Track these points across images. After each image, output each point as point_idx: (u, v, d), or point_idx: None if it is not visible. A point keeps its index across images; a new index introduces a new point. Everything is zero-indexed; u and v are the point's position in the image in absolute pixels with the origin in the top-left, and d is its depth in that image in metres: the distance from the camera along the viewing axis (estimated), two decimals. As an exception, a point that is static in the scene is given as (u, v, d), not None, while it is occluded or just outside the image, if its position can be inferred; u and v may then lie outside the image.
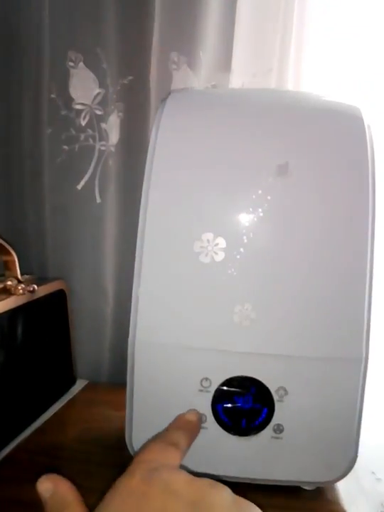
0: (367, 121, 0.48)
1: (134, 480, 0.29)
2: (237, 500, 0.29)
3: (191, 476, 0.30)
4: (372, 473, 0.74)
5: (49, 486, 0.30)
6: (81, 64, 0.73)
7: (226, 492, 0.29)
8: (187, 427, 0.39)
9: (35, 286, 0.60)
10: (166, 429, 0.38)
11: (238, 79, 0.71)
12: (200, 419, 0.41)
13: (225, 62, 0.71)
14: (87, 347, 0.80)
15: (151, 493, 0.27)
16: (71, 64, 0.73)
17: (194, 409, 0.42)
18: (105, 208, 0.77)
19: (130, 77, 0.74)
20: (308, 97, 0.56)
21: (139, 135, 0.74)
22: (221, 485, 0.30)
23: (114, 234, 0.78)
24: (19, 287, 0.59)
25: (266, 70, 0.70)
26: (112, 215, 0.77)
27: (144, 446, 0.34)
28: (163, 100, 0.51)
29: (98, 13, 0.72)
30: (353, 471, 0.50)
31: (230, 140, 0.48)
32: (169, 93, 0.52)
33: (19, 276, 0.62)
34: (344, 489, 0.53)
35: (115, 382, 0.77)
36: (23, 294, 0.59)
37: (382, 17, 0.70)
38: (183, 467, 0.37)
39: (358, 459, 0.50)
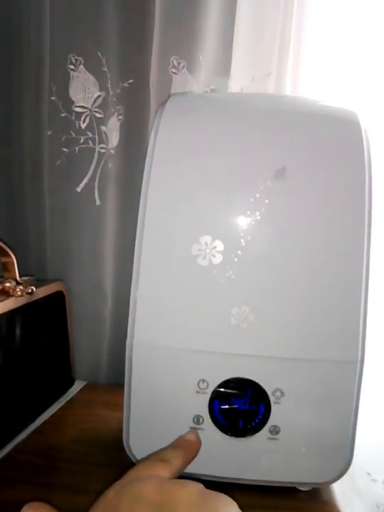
0: (364, 125, 0.48)
1: (109, 495, 0.30)
2: (206, 494, 0.29)
3: (163, 481, 0.30)
4: (368, 474, 0.75)
5: None
6: (81, 67, 0.74)
7: (193, 489, 0.29)
8: (183, 446, 0.40)
9: (34, 288, 0.60)
10: (162, 448, 0.38)
11: (237, 83, 0.72)
12: (199, 440, 0.41)
13: (224, 66, 0.72)
14: (86, 348, 0.80)
15: (121, 505, 0.28)
16: (71, 67, 0.74)
17: (194, 431, 0.43)
18: (105, 211, 0.77)
19: (130, 81, 0.74)
20: (305, 102, 0.56)
21: (138, 138, 0.74)
22: (190, 483, 0.30)
23: (113, 236, 0.78)
24: (18, 289, 0.59)
25: (264, 74, 0.71)
26: (111, 217, 0.78)
27: (136, 464, 0.35)
28: (162, 104, 0.51)
29: (99, 16, 0.72)
30: (348, 472, 0.51)
31: (228, 144, 0.48)
32: (168, 97, 0.53)
33: (18, 278, 0.62)
34: (340, 490, 0.54)
35: (113, 383, 0.77)
36: (22, 295, 0.59)
37: (380, 22, 0.70)
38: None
39: (354, 460, 0.51)
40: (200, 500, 0.28)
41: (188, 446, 0.40)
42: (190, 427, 0.49)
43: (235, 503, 0.29)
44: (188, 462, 0.38)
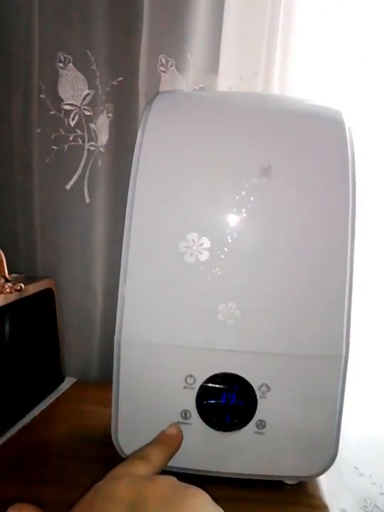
0: (348, 124, 0.49)
1: (87, 496, 0.30)
2: (176, 487, 0.29)
3: (135, 478, 0.30)
4: (355, 468, 0.76)
5: None
6: (70, 65, 0.74)
7: (163, 483, 0.29)
8: (165, 441, 0.39)
9: (22, 285, 0.61)
10: (144, 445, 0.38)
11: (225, 82, 0.72)
12: (181, 432, 0.42)
13: (212, 65, 0.73)
14: (76, 345, 0.80)
15: (95, 505, 0.28)
16: (60, 65, 0.74)
17: (175, 423, 0.42)
18: (94, 208, 0.77)
19: (119, 79, 0.75)
20: (290, 100, 0.57)
21: (127, 136, 0.75)
22: (161, 477, 0.30)
23: (102, 233, 0.78)
24: (6, 286, 0.59)
25: (252, 73, 0.71)
26: (100, 214, 0.78)
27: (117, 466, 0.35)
28: (150, 102, 0.52)
29: (87, 15, 0.72)
30: (336, 467, 0.51)
31: (215, 142, 0.49)
32: (156, 95, 0.53)
33: (7, 275, 0.62)
34: (327, 484, 0.54)
35: (104, 380, 0.78)
36: (11, 292, 0.59)
37: (367, 21, 0.71)
38: (168, 465, 0.38)
39: (341, 454, 0.51)
40: (170, 493, 0.28)
41: (169, 441, 0.39)
42: (178, 422, 0.49)
43: (206, 494, 0.29)
44: (171, 456, 0.38)
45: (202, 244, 0.48)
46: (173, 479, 0.30)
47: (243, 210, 0.47)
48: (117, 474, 0.32)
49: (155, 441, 0.39)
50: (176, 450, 0.39)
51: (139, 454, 0.36)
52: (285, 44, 0.71)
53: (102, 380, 0.79)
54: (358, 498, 0.75)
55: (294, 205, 0.48)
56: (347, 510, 0.73)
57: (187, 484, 0.30)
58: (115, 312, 0.50)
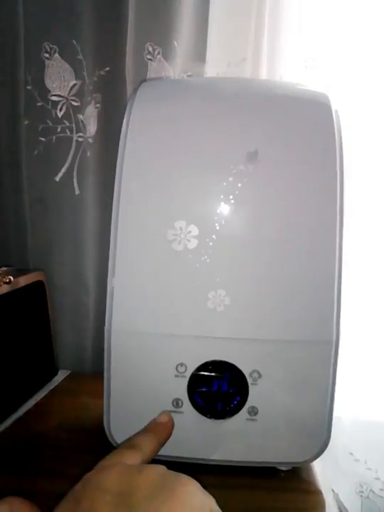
0: (334, 107, 0.49)
1: (77, 487, 0.30)
2: (165, 476, 0.29)
3: (124, 468, 0.30)
4: (351, 454, 0.76)
5: (5, 509, 0.30)
6: (56, 55, 0.73)
7: (152, 472, 0.29)
8: (155, 429, 0.39)
9: (11, 278, 0.60)
10: (134, 434, 0.38)
11: (213, 69, 0.72)
12: (171, 420, 0.41)
13: (199, 52, 0.72)
14: (69, 338, 0.80)
15: (84, 496, 0.28)
16: (46, 55, 0.73)
17: (166, 411, 0.42)
18: (84, 199, 0.77)
19: (106, 69, 0.74)
20: (277, 85, 0.57)
21: (116, 126, 0.72)
22: (150, 467, 0.30)
23: (93, 224, 0.78)
24: (-4, 279, 0.59)
25: (240, 59, 0.71)
26: (91, 205, 0.77)
27: (107, 455, 0.35)
28: (134, 90, 0.51)
29: (73, 4, 0.71)
30: (331, 453, 0.52)
31: (200, 128, 0.49)
32: (140, 83, 0.52)
33: (-4, 268, 0.62)
34: (322, 470, 0.54)
35: (97, 372, 0.77)
36: (0, 285, 0.59)
37: (355, 6, 0.70)
38: (161, 454, 0.38)
39: (336, 440, 0.52)
40: (159, 482, 0.28)
41: (159, 429, 0.40)
42: (170, 411, 0.49)
43: (195, 483, 0.29)
44: (162, 444, 0.38)
45: (190, 231, 0.47)
46: (163, 468, 0.30)
47: (231, 197, 0.47)
48: (107, 464, 0.32)
49: (145, 430, 0.39)
50: (167, 438, 0.39)
51: (129, 443, 0.36)
52: (272, 29, 0.70)
53: (95, 372, 0.79)
54: (354, 484, 0.76)
55: (281, 191, 0.48)
56: (343, 496, 0.73)
57: (177, 473, 0.30)
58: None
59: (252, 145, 0.47)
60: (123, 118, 0.72)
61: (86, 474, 0.31)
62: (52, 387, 0.72)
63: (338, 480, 0.74)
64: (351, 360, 0.71)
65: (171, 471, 0.30)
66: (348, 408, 0.74)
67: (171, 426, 0.41)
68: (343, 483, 0.75)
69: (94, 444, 0.55)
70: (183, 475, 0.30)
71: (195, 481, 0.30)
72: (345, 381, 0.55)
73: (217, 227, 0.47)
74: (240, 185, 0.47)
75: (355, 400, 0.75)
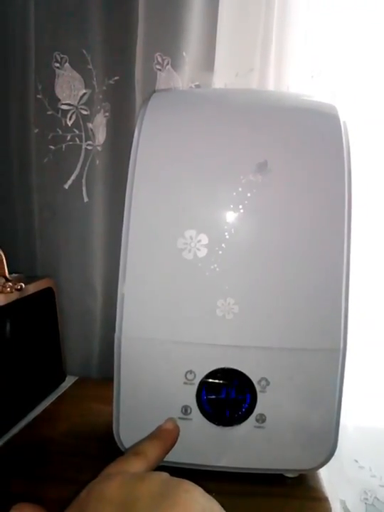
0: (342, 118, 0.49)
1: (82, 495, 0.30)
2: (167, 483, 0.29)
3: (127, 477, 0.30)
4: (356, 461, 0.76)
5: None
6: (67, 65, 0.74)
7: (154, 480, 0.29)
8: (161, 436, 0.39)
9: (23, 285, 0.61)
10: (139, 441, 0.38)
11: (221, 79, 0.72)
12: (177, 427, 0.41)
13: (207, 62, 0.73)
14: (77, 344, 0.81)
15: (89, 506, 0.28)
16: (57, 65, 0.74)
17: (172, 418, 0.43)
18: (93, 207, 0.78)
19: (116, 78, 0.75)
20: (286, 96, 0.57)
21: (125, 134, 0.75)
22: (152, 474, 0.30)
23: (101, 232, 0.79)
24: (7, 285, 0.60)
25: (247, 70, 0.71)
26: (99, 213, 0.78)
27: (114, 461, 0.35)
28: (146, 100, 0.52)
29: (83, 14, 0.73)
30: (336, 460, 0.52)
31: (211, 139, 0.49)
32: (152, 93, 0.53)
33: (7, 275, 0.62)
34: (328, 477, 0.55)
35: (105, 377, 0.78)
36: (11, 292, 0.59)
37: (362, 16, 0.71)
38: (169, 461, 0.38)
39: (341, 447, 0.52)
40: (161, 490, 0.28)
41: (165, 436, 0.40)
42: (179, 418, 0.50)
43: (198, 488, 0.29)
44: (167, 451, 0.38)
45: (200, 240, 0.48)
46: (165, 475, 0.30)
47: (240, 207, 0.48)
48: (111, 472, 0.32)
49: (151, 437, 0.39)
50: (173, 445, 0.39)
51: (135, 450, 0.36)
52: (280, 40, 0.71)
53: (103, 378, 0.79)
54: (359, 491, 0.76)
55: (290, 201, 0.48)
56: (348, 503, 0.74)
57: (179, 479, 0.30)
58: (115, 310, 0.50)
59: (261, 156, 0.48)
60: (132, 127, 0.74)
61: (91, 482, 0.31)
62: (60, 393, 0.73)
63: (343, 487, 0.75)
64: (355, 367, 0.72)
65: (174, 478, 0.30)
66: (353, 415, 0.75)
67: (176, 433, 0.41)
68: (347, 490, 0.75)
69: (103, 450, 0.56)
70: (186, 481, 0.29)
71: (197, 486, 0.29)
72: (349, 388, 0.55)
73: (227, 236, 0.48)
74: (249, 195, 0.48)
75: (359, 407, 0.76)
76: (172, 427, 0.41)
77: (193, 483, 0.29)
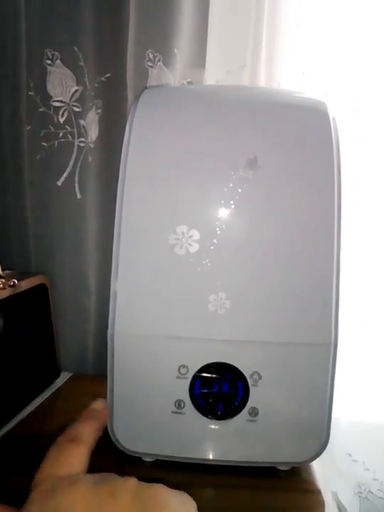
0: (332, 114, 0.50)
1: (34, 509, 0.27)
2: (139, 495, 0.27)
3: (89, 489, 0.28)
4: (349, 455, 0.77)
5: None
6: (58, 61, 0.74)
7: (124, 495, 0.27)
8: (93, 416, 0.37)
9: (16, 281, 0.61)
10: (69, 425, 0.36)
11: (212, 76, 0.73)
12: (106, 406, 0.40)
13: (199, 59, 0.73)
14: (71, 340, 0.81)
15: None
16: (48, 62, 0.74)
17: (100, 399, 0.40)
18: (86, 204, 0.78)
19: (107, 75, 0.75)
20: (275, 92, 0.58)
21: (117, 131, 0.75)
22: (121, 488, 0.28)
23: (95, 229, 0.79)
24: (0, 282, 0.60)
25: (239, 66, 0.72)
26: (92, 210, 0.78)
27: (48, 452, 0.33)
28: (137, 97, 0.52)
29: (74, 11, 0.73)
30: (330, 454, 0.53)
31: (201, 135, 0.50)
32: (143, 90, 0.53)
33: (0, 272, 0.63)
34: (321, 470, 0.55)
35: (99, 374, 0.78)
36: (4, 288, 0.60)
37: (352, 12, 0.72)
38: (162, 454, 0.37)
39: (335, 441, 0.52)
40: (137, 507, 0.26)
41: (98, 415, 0.38)
42: (172, 412, 0.50)
43: (172, 495, 0.28)
44: (100, 432, 0.36)
45: (191, 236, 0.48)
46: (133, 483, 0.28)
47: (231, 202, 0.48)
48: (59, 474, 0.30)
49: (83, 419, 0.37)
50: (105, 424, 0.37)
51: (70, 436, 0.34)
52: (271, 37, 0.71)
53: (97, 374, 0.80)
54: (353, 484, 0.76)
55: (280, 196, 0.49)
56: (341, 497, 0.74)
57: (150, 486, 0.28)
58: (109, 306, 0.51)
59: (251, 152, 0.48)
60: (124, 123, 0.73)
61: (34, 491, 0.28)
62: (54, 389, 0.73)
63: (337, 481, 0.75)
64: (348, 362, 0.72)
65: (143, 485, 0.28)
66: (347, 409, 0.75)
67: (106, 413, 0.39)
68: (341, 483, 0.76)
69: (98, 446, 0.56)
70: (159, 490, 0.28)
71: (171, 492, 0.28)
72: (343, 383, 0.56)
73: (218, 232, 0.48)
74: (240, 190, 0.48)
75: (353, 402, 0.76)
76: (101, 406, 0.39)
77: (166, 489, 0.28)
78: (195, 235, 0.48)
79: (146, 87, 0.56)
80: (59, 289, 0.79)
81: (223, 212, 0.48)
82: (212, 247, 0.48)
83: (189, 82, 0.74)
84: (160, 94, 0.56)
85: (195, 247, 0.48)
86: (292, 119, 0.50)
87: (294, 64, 0.71)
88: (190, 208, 0.49)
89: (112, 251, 0.51)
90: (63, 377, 0.78)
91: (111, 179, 0.76)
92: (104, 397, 0.53)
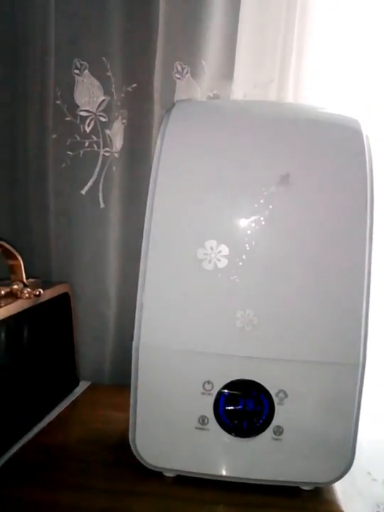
0: (365, 132, 0.49)
1: None
2: None
3: None
4: (369, 473, 0.76)
5: None
6: (86, 71, 0.75)
7: None
8: None
9: (41, 290, 0.61)
10: None
11: (240, 89, 0.73)
12: None
13: (227, 72, 0.73)
14: (90, 349, 0.81)
15: None
16: (76, 71, 0.75)
17: None
18: (109, 213, 0.78)
19: (134, 85, 0.75)
20: (308, 109, 0.57)
21: (142, 142, 0.75)
22: None
23: (117, 238, 0.79)
24: (25, 291, 0.60)
25: (267, 80, 0.72)
26: (115, 220, 0.78)
27: None
28: (168, 110, 0.52)
29: (103, 22, 0.73)
30: (349, 472, 0.52)
31: (233, 151, 0.50)
32: (174, 103, 0.54)
33: (25, 280, 0.63)
34: (341, 489, 0.54)
35: (117, 383, 0.78)
36: (29, 297, 0.60)
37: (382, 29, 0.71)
38: (186, 471, 0.37)
39: (355, 459, 0.52)
40: None
41: None
42: (196, 428, 0.50)
43: None
44: None
45: (220, 251, 0.48)
46: None
47: (261, 218, 0.48)
48: None
49: None
50: None
51: None
52: (300, 51, 0.71)
53: (115, 384, 0.79)
54: (371, 504, 0.75)
55: (311, 213, 0.48)
56: (359, 516, 0.73)
57: None
58: (129, 317, 0.51)
59: (283, 168, 0.48)
60: (149, 134, 0.75)
61: None
62: (73, 399, 0.73)
63: (356, 500, 0.74)
64: (368, 380, 0.71)
65: None
66: (366, 427, 0.74)
67: None
68: (359, 503, 0.75)
69: (117, 457, 0.56)
70: None
71: None
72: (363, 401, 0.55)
73: (247, 248, 0.48)
74: (270, 206, 0.48)
75: (372, 420, 0.75)
76: None
77: None
78: (224, 250, 0.48)
79: (175, 101, 0.56)
80: (79, 298, 0.79)
81: (253, 228, 0.48)
82: (240, 263, 0.48)
83: (216, 95, 0.74)
84: (191, 108, 0.56)
85: (223, 263, 0.48)
86: (326, 136, 0.50)
87: (322, 79, 0.71)
88: (219, 223, 0.49)
89: (134, 261, 0.51)
90: (82, 386, 0.77)
91: (135, 189, 0.77)
92: (123, 407, 0.52)
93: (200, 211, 0.49)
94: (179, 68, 0.73)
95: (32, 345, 0.63)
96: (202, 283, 0.49)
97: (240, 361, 0.49)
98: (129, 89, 0.76)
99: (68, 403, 0.71)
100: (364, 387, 0.50)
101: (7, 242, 0.61)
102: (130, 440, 0.51)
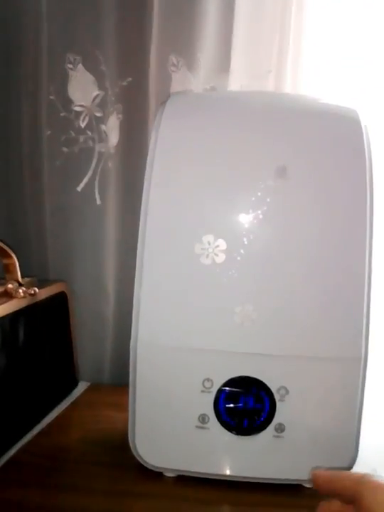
0: (364, 122, 0.49)
1: None
2: None
3: None
4: (374, 470, 0.75)
5: None
6: (80, 66, 0.73)
7: None
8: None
9: (36, 289, 0.60)
10: None
11: (236, 81, 0.71)
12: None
13: (223, 64, 0.72)
14: (89, 349, 0.80)
15: None
16: (70, 66, 0.73)
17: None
18: (105, 210, 0.77)
19: (129, 79, 0.74)
20: (305, 100, 0.56)
21: (138, 136, 0.74)
22: None
23: (114, 235, 0.78)
24: (20, 290, 0.59)
25: (264, 72, 0.70)
26: (112, 216, 0.77)
27: None
28: (163, 103, 0.51)
29: (97, 15, 0.72)
30: (353, 469, 0.51)
31: (229, 143, 0.49)
32: (169, 96, 0.53)
33: (20, 279, 0.62)
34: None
35: (117, 383, 0.77)
36: (24, 296, 0.59)
37: (380, 17, 0.70)
38: (187, 470, 0.37)
39: (359, 456, 0.51)
40: None
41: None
42: (196, 426, 0.49)
43: None
44: None
45: (218, 246, 0.47)
46: None
47: (259, 212, 0.47)
48: None
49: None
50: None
51: None
52: (297, 42, 0.70)
53: (114, 384, 0.79)
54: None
55: (310, 206, 0.47)
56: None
57: None
58: (128, 315, 0.50)
59: (280, 160, 0.47)
60: (145, 129, 0.73)
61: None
62: (73, 400, 0.72)
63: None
64: (371, 376, 0.71)
65: None
66: (371, 424, 0.73)
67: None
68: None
69: (117, 457, 0.55)
70: None
71: None
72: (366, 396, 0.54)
73: (245, 242, 0.47)
74: (268, 200, 0.47)
75: (377, 417, 0.74)
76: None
77: None
78: (222, 244, 0.47)
79: (171, 94, 0.55)
80: (77, 297, 0.78)
81: (251, 222, 0.47)
82: (238, 258, 0.47)
83: (212, 87, 0.73)
84: (186, 100, 0.55)
85: (221, 258, 0.47)
86: (323, 126, 0.49)
87: (320, 69, 0.70)
88: (216, 218, 0.48)
89: (132, 258, 0.50)
90: (81, 386, 0.76)
91: (131, 185, 0.75)
92: (123, 407, 0.52)
93: (196, 205, 0.48)
94: (174, 61, 0.71)
95: (28, 346, 0.62)
96: (200, 278, 0.48)
97: (239, 358, 0.48)
98: (124, 83, 0.74)
99: (68, 404, 0.70)
100: (367, 382, 0.50)
101: (1, 241, 0.60)
102: (130, 440, 0.51)
